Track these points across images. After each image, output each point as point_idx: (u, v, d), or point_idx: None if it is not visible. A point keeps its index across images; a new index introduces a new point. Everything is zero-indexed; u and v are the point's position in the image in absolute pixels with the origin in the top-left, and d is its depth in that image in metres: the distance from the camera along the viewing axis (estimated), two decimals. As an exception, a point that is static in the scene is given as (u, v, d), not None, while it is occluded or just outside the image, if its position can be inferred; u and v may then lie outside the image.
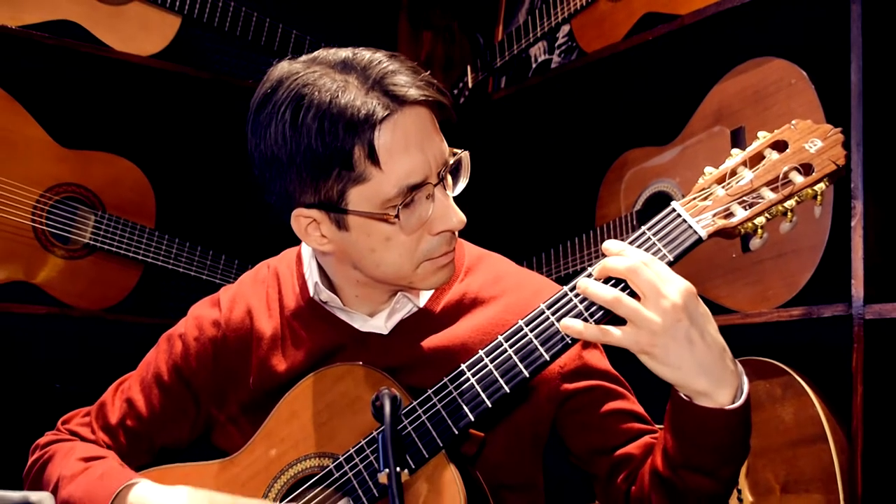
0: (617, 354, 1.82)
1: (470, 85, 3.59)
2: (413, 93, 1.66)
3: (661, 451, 1.70)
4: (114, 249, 3.18)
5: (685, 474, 1.66)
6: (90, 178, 3.20)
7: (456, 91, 3.64)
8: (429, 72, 1.73)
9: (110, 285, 3.24)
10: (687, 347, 1.56)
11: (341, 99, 1.64)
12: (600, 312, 1.63)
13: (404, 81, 1.66)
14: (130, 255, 3.20)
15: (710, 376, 1.58)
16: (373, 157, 1.64)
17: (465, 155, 1.78)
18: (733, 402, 1.61)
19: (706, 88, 2.84)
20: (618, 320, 1.59)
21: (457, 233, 1.79)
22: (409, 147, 1.66)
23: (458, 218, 1.74)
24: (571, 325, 1.61)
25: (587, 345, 1.89)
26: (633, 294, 1.59)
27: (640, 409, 1.90)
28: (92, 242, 3.16)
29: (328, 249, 1.79)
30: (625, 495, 1.82)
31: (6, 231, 3.04)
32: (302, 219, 1.75)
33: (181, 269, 3.27)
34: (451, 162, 1.75)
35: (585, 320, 1.63)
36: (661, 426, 1.72)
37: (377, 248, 1.73)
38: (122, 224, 3.19)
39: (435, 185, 1.71)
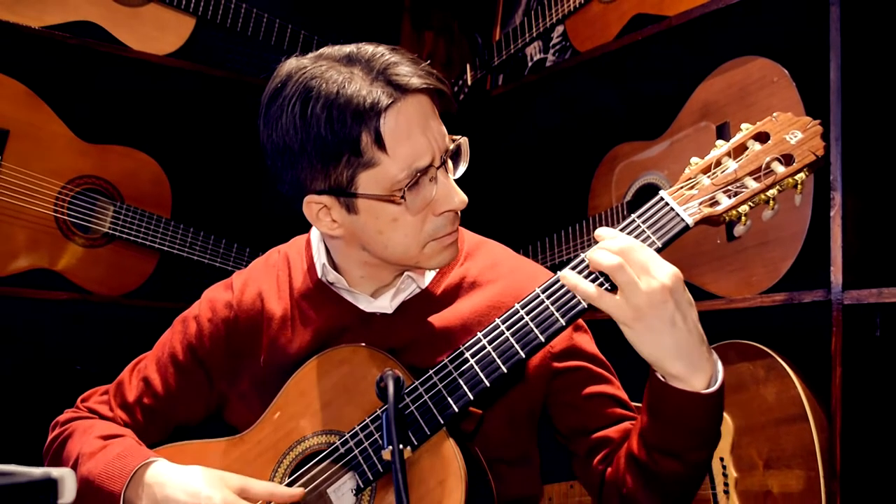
0: (608, 341, 1.82)
1: (469, 82, 3.58)
2: (415, 81, 1.66)
3: (637, 431, 1.70)
4: (132, 238, 3.17)
5: (658, 457, 1.66)
6: (109, 170, 3.20)
7: (456, 88, 3.63)
8: (428, 62, 1.72)
9: (128, 272, 3.24)
10: (669, 328, 1.55)
11: (347, 89, 1.64)
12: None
13: (406, 71, 1.66)
14: (147, 243, 3.20)
15: (687, 360, 1.57)
16: (379, 143, 1.65)
17: (464, 140, 1.78)
18: (707, 389, 1.60)
19: (693, 86, 2.83)
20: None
21: (459, 214, 1.79)
22: (412, 132, 1.67)
23: (460, 198, 1.74)
24: (570, 277, 1.60)
25: (578, 329, 1.89)
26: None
27: (623, 395, 1.89)
28: (111, 231, 3.16)
29: (338, 233, 1.79)
30: (601, 476, 1.82)
31: (30, 221, 3.04)
32: (313, 205, 1.75)
33: (196, 257, 3.27)
34: (452, 147, 1.76)
35: (578, 303, 1.62)
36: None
37: (385, 230, 1.73)
38: (140, 214, 3.19)
39: (437, 168, 1.71)
